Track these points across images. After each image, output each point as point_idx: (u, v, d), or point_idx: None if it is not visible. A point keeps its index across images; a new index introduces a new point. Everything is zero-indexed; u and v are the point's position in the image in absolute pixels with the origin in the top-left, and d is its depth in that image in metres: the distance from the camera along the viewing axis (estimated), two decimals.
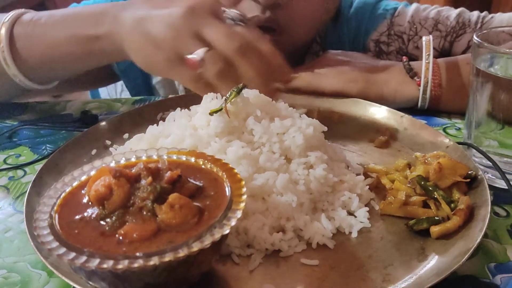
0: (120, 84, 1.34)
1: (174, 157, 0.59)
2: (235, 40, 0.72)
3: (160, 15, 0.76)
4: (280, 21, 0.96)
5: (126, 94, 1.28)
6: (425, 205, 0.65)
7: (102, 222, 0.49)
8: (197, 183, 0.54)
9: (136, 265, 0.43)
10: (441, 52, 1.11)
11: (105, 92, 1.37)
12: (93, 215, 0.50)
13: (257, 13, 0.95)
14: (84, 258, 0.44)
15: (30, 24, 0.88)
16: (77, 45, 0.86)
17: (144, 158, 0.59)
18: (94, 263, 0.43)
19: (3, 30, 0.86)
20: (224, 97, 0.68)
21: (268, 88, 0.74)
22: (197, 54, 0.69)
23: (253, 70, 0.72)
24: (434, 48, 1.02)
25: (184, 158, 0.59)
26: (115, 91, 1.34)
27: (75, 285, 0.51)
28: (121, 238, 0.47)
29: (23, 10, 0.91)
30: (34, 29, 0.88)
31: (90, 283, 0.49)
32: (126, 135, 0.83)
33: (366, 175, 0.72)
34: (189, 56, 0.69)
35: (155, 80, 1.18)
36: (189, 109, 0.74)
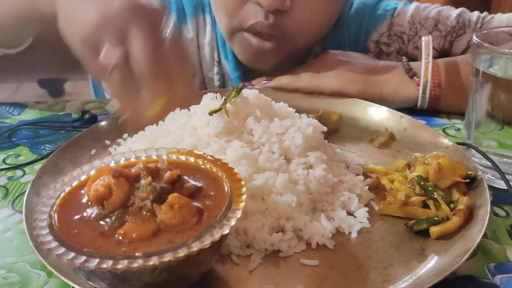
0: None
1: (174, 157, 0.59)
2: (150, 60, 0.62)
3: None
4: (283, 26, 0.95)
5: None
6: (425, 205, 0.65)
7: (101, 222, 0.49)
8: (197, 183, 0.54)
9: (135, 265, 0.43)
10: (441, 52, 1.11)
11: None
12: (93, 215, 0.49)
13: (260, 19, 0.94)
14: (83, 258, 0.44)
15: None
16: (15, 7, 0.86)
17: (143, 158, 0.59)
18: (94, 263, 0.43)
19: None
20: (223, 97, 0.68)
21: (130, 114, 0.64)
22: (106, 58, 0.61)
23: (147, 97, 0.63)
24: (433, 48, 1.02)
25: (183, 158, 0.59)
26: None
27: (74, 285, 0.51)
28: (120, 238, 0.47)
29: None
30: None
31: (90, 283, 0.49)
32: (125, 135, 0.83)
33: (366, 176, 0.72)
34: (104, 57, 0.61)
35: None
36: (188, 109, 0.74)
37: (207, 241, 0.46)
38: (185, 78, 0.66)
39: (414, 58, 1.10)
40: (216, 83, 1.16)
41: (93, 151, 0.79)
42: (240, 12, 0.96)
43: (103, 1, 0.64)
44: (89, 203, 0.51)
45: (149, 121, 0.70)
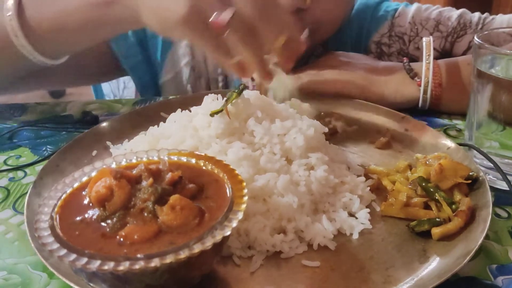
0: (122, 81, 1.34)
1: (175, 158, 0.59)
2: (258, 4, 0.68)
3: None
4: (304, 23, 0.94)
5: (128, 92, 1.28)
6: (426, 206, 0.65)
7: (103, 224, 0.49)
8: (198, 184, 0.54)
9: (137, 266, 0.43)
10: (442, 53, 1.11)
11: (108, 89, 1.37)
12: (94, 217, 0.49)
13: None
14: (85, 259, 0.44)
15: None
16: (89, 11, 0.82)
17: (145, 159, 0.59)
18: (95, 264, 0.43)
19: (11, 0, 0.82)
20: (225, 98, 0.68)
21: (264, 68, 0.72)
22: (224, 16, 0.66)
23: (267, 41, 0.69)
24: (434, 49, 1.02)
25: (185, 159, 0.59)
26: (118, 88, 1.33)
27: (75, 287, 0.51)
28: (122, 239, 0.47)
29: None
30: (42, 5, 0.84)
31: (91, 284, 0.49)
32: (126, 136, 0.83)
33: (367, 177, 0.72)
34: (216, 18, 0.66)
35: (163, 79, 1.18)
36: (190, 110, 0.74)
37: (208, 242, 0.46)
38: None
39: (415, 59, 1.10)
40: (220, 84, 1.16)
41: (94, 152, 0.79)
42: None
43: None
44: (91, 204, 0.51)
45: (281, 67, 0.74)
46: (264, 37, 0.68)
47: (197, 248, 0.45)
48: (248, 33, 0.68)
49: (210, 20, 0.66)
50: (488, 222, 0.58)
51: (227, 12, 0.65)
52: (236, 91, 0.67)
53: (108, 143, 0.82)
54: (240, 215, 0.49)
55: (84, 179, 0.55)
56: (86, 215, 0.50)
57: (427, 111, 0.95)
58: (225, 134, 0.67)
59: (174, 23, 0.68)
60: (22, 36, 0.83)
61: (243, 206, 0.50)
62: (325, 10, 0.97)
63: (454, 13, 1.11)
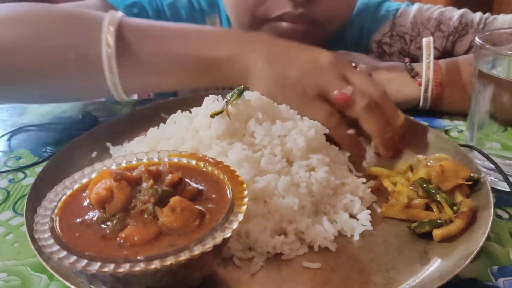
0: None
1: (175, 160, 0.59)
2: (377, 86, 0.76)
3: (303, 53, 0.79)
4: (313, 15, 0.96)
5: None
6: (428, 207, 0.65)
7: (103, 225, 0.48)
8: (198, 186, 0.54)
9: (137, 268, 0.43)
10: (443, 53, 1.11)
11: None
12: (94, 218, 0.49)
13: (289, 9, 0.94)
14: (85, 261, 0.44)
15: (139, 32, 0.80)
16: (193, 64, 0.80)
17: (145, 160, 0.59)
18: (95, 266, 0.43)
19: (111, 34, 0.76)
20: (225, 99, 0.68)
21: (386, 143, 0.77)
22: (347, 90, 0.74)
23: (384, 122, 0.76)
24: (436, 49, 1.02)
25: (185, 160, 0.59)
26: None
27: None
28: (122, 241, 0.46)
29: (119, 12, 0.81)
30: (145, 39, 0.80)
31: (91, 286, 0.48)
32: (126, 138, 0.82)
33: (368, 178, 0.71)
34: (340, 91, 0.74)
35: None
36: (190, 111, 0.74)
37: (209, 244, 0.45)
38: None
39: (416, 58, 1.10)
40: None
41: (94, 154, 0.79)
42: (264, 4, 0.96)
43: (308, 61, 0.77)
44: (91, 206, 0.51)
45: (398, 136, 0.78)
46: (387, 111, 0.75)
47: (197, 250, 0.45)
48: (374, 105, 0.74)
49: (335, 93, 0.74)
50: (490, 223, 0.58)
51: (349, 88, 0.74)
52: (237, 92, 0.67)
53: (108, 144, 0.81)
54: (240, 217, 0.49)
55: (84, 180, 0.55)
56: (86, 217, 0.50)
57: (428, 112, 0.95)
58: (226, 136, 0.67)
59: (288, 99, 0.75)
60: (117, 74, 0.78)
61: (244, 207, 0.50)
62: (332, 3, 0.97)
63: (455, 13, 1.11)
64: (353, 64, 0.85)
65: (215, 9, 1.16)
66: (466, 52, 1.09)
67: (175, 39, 0.81)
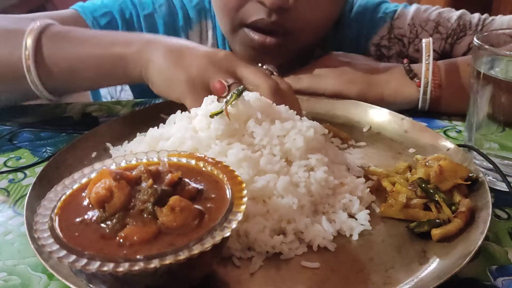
0: None
1: (175, 160, 0.59)
2: (268, 80, 0.78)
3: (199, 50, 0.82)
4: (287, 24, 0.95)
5: (125, 93, 1.27)
6: (426, 207, 0.65)
7: (102, 225, 0.49)
8: (198, 185, 0.54)
9: (136, 268, 0.43)
10: (442, 55, 1.11)
11: (105, 91, 1.37)
12: (94, 218, 0.49)
13: (262, 16, 0.93)
14: (84, 261, 0.44)
15: (58, 36, 0.89)
16: (103, 63, 0.86)
17: (144, 160, 0.59)
18: (95, 266, 0.43)
19: (31, 39, 0.86)
20: (225, 100, 0.68)
21: None
22: (226, 82, 0.77)
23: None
24: (434, 51, 1.02)
25: (184, 160, 0.59)
26: (115, 90, 1.33)
27: None
28: (121, 240, 0.47)
29: (49, 21, 0.91)
30: (61, 42, 0.88)
31: (91, 286, 0.49)
32: (126, 138, 0.83)
33: (367, 178, 0.72)
34: (218, 80, 0.77)
35: None
36: (189, 112, 0.74)
37: (208, 244, 0.46)
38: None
39: (415, 61, 1.10)
40: None
41: (94, 154, 0.79)
42: (242, 9, 0.96)
43: (202, 53, 0.81)
44: (90, 205, 0.51)
45: None
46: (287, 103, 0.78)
47: (196, 249, 0.45)
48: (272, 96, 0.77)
49: (214, 81, 0.77)
50: (488, 223, 0.58)
51: (228, 80, 0.77)
52: (236, 92, 0.67)
53: (108, 144, 0.82)
54: (239, 216, 0.49)
55: (84, 180, 0.55)
56: (86, 216, 0.50)
57: (427, 113, 0.95)
58: (225, 136, 0.67)
59: (175, 88, 0.79)
60: (35, 74, 0.87)
61: (243, 207, 0.50)
62: (308, 13, 0.95)
63: (453, 14, 1.11)
64: (259, 64, 0.88)
65: (207, 15, 1.16)
66: (464, 54, 1.09)
67: (90, 42, 0.89)
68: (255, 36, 0.97)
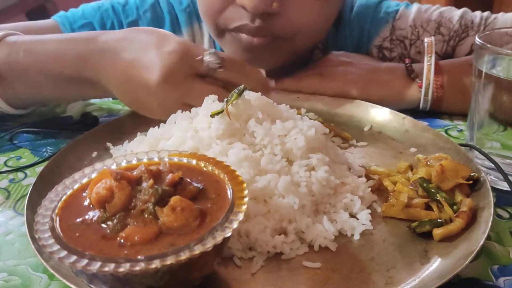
0: None
1: (176, 160, 0.59)
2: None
3: (141, 81, 0.77)
4: (274, 29, 0.91)
5: None
6: (428, 207, 0.65)
7: (103, 225, 0.49)
8: (199, 185, 0.54)
9: (137, 268, 0.43)
10: (444, 57, 1.10)
11: None
12: (94, 218, 0.49)
13: (246, 22, 0.90)
14: (85, 261, 0.44)
15: (14, 45, 0.86)
16: (60, 83, 0.85)
17: (145, 160, 0.59)
18: (96, 266, 0.43)
19: None
20: (225, 99, 0.68)
21: None
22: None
23: None
24: (436, 53, 1.02)
25: (185, 160, 0.59)
26: None
27: None
28: (122, 241, 0.47)
29: (9, 32, 0.88)
30: (18, 53, 0.85)
31: (91, 286, 0.48)
32: (126, 137, 0.82)
33: (368, 177, 0.71)
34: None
35: None
36: (190, 111, 0.74)
37: (209, 244, 0.45)
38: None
39: (417, 62, 1.09)
40: None
41: (94, 154, 0.79)
42: (224, 13, 0.92)
43: (145, 87, 0.77)
44: (91, 206, 0.51)
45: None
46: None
47: (197, 250, 0.45)
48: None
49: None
50: (490, 223, 0.58)
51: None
52: (237, 92, 0.67)
53: (109, 144, 0.82)
54: (240, 216, 0.49)
55: (84, 180, 0.55)
56: (87, 217, 0.50)
57: (428, 112, 0.95)
58: (226, 135, 0.67)
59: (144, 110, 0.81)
60: None
61: (244, 207, 0.50)
62: (298, 17, 0.91)
63: (455, 14, 1.09)
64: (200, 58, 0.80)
65: (198, 18, 1.14)
66: (467, 55, 1.08)
67: (40, 60, 0.85)
68: (242, 37, 0.93)
